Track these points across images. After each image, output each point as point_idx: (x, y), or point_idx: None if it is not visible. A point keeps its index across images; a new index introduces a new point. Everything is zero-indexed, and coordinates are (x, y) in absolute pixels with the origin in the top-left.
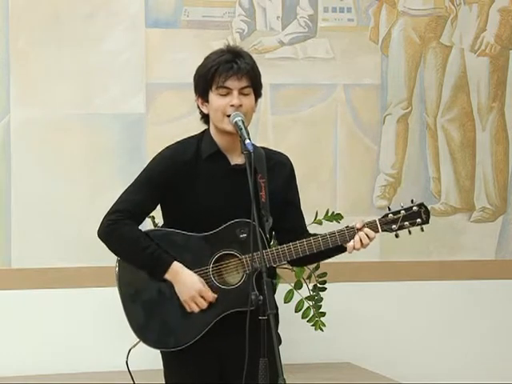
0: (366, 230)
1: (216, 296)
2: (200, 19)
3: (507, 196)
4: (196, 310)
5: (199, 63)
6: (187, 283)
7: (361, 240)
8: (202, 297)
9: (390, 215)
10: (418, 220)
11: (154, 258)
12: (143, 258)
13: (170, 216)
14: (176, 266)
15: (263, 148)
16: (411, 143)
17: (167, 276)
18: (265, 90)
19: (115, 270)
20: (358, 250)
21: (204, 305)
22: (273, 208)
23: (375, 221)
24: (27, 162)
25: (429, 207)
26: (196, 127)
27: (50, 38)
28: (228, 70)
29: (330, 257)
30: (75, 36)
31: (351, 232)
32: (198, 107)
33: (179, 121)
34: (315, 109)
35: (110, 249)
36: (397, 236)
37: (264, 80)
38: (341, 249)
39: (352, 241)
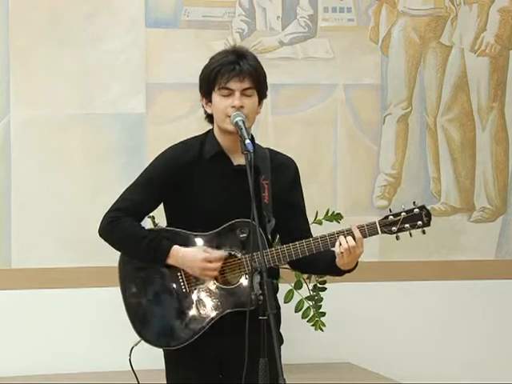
0: (357, 232)
1: (223, 253)
2: (200, 19)
3: (507, 196)
4: (214, 275)
5: (199, 63)
6: (190, 260)
7: (347, 242)
8: (211, 261)
9: (391, 217)
10: (419, 222)
11: (154, 245)
12: (143, 248)
13: (173, 215)
14: (175, 249)
15: (268, 149)
16: (411, 143)
17: (169, 261)
18: None
19: (118, 269)
20: (347, 253)
21: (217, 267)
22: (275, 209)
23: (375, 222)
24: (27, 162)
25: (429, 207)
26: (196, 127)
27: (50, 38)
28: (230, 71)
29: (329, 272)
30: (75, 36)
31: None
32: (203, 107)
33: (179, 121)
34: (315, 109)
35: (111, 244)
36: (397, 238)
37: None
38: (337, 269)
39: (338, 246)
